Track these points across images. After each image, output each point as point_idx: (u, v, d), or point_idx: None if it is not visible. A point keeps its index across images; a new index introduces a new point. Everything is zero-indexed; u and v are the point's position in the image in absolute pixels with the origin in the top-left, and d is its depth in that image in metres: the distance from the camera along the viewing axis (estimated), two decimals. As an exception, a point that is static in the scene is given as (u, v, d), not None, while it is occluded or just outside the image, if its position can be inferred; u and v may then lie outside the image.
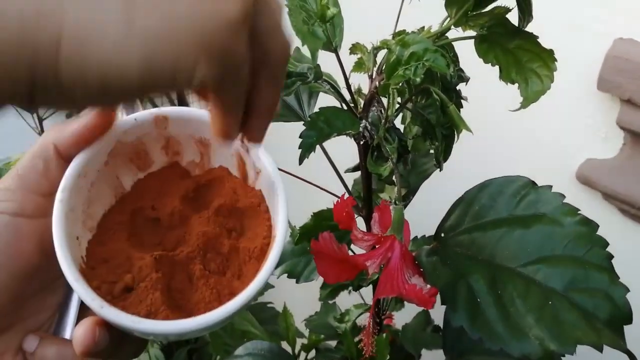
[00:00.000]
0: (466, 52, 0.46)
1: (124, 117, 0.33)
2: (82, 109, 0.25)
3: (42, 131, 0.71)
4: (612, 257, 0.36)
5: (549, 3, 0.71)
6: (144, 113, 0.33)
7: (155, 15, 0.21)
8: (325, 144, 0.50)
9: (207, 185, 0.35)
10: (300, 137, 0.42)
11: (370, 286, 0.50)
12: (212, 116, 0.28)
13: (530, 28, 0.44)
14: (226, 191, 0.34)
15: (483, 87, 0.50)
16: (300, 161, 0.42)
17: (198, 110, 0.34)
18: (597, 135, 0.72)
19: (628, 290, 0.34)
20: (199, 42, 0.22)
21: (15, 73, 0.21)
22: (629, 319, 0.34)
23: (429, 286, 0.37)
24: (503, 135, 0.83)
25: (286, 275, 0.48)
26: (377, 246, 0.41)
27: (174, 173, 0.35)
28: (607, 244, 0.36)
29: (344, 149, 0.60)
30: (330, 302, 0.61)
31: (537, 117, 0.77)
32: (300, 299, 0.77)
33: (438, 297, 0.38)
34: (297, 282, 0.48)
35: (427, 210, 0.53)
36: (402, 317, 0.71)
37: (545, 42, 0.45)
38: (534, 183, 0.40)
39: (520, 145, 0.81)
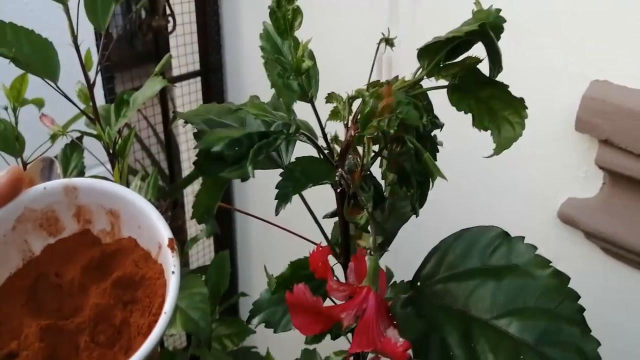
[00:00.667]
0: (442, 98, 0.47)
1: (33, 187, 0.34)
2: None
3: None
4: (583, 310, 0.36)
5: (525, 46, 0.73)
6: (53, 183, 0.35)
7: None
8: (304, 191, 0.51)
9: (112, 255, 0.35)
10: (276, 187, 0.42)
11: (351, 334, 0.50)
12: None
13: (507, 71, 0.45)
14: (129, 263, 0.35)
15: (462, 132, 0.51)
16: (277, 212, 0.42)
17: (108, 182, 0.35)
18: (577, 175, 0.73)
19: (599, 344, 0.34)
20: None
21: None
22: (601, 373, 0.34)
23: (402, 340, 0.37)
24: (484, 176, 0.84)
25: (264, 325, 0.48)
26: (352, 297, 0.41)
27: (85, 240, 0.36)
28: (578, 297, 0.36)
29: (322, 194, 0.60)
30: (311, 347, 0.60)
31: (518, 157, 0.78)
32: (287, 342, 0.76)
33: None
34: (274, 331, 0.47)
35: (406, 254, 0.53)
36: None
37: (522, 85, 0.46)
38: (506, 234, 0.40)
39: (501, 185, 0.82)
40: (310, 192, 0.56)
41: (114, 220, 0.36)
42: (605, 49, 0.66)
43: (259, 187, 1.26)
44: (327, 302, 0.43)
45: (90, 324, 0.32)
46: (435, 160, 0.48)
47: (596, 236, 0.72)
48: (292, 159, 0.46)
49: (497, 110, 0.46)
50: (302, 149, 0.49)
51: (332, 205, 0.56)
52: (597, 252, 0.74)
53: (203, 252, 1.40)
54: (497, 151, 0.46)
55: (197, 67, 1.24)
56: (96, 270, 0.35)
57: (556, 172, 0.75)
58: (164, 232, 0.33)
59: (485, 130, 0.46)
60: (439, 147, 0.51)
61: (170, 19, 1.12)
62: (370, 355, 0.70)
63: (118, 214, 0.36)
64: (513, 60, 0.47)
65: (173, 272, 0.31)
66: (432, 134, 0.50)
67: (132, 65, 1.19)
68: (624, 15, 0.64)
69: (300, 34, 0.46)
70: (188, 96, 1.25)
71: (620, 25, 0.64)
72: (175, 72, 1.25)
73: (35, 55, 0.53)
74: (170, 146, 1.26)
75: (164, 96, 1.20)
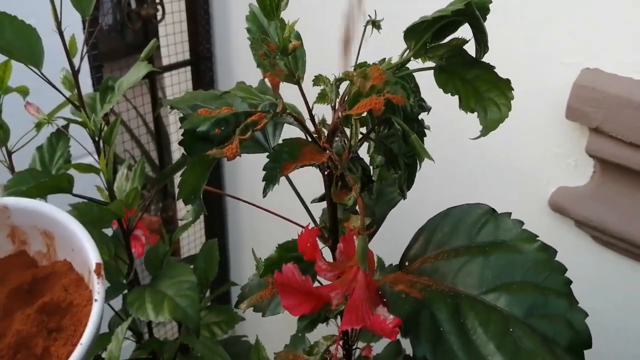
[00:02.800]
0: (429, 80, 0.47)
1: None
2: None
3: (11, 164, 0.70)
4: (570, 282, 0.36)
5: (516, 34, 0.73)
6: None
7: None
8: (293, 174, 0.51)
9: (45, 279, 0.34)
10: (263, 169, 0.42)
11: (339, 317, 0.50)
12: None
13: (497, 59, 0.46)
14: (58, 288, 0.33)
15: (452, 115, 0.51)
16: (265, 193, 0.42)
17: (40, 203, 0.34)
18: (568, 163, 0.74)
19: (586, 315, 0.35)
20: None
21: None
22: (588, 344, 0.34)
23: (392, 317, 0.37)
24: (475, 165, 0.84)
25: (252, 309, 0.48)
26: (341, 277, 0.41)
27: (20, 262, 0.35)
28: (565, 270, 0.36)
29: (310, 179, 0.60)
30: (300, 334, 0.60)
31: (509, 145, 0.78)
32: (277, 331, 0.76)
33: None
34: (263, 315, 0.47)
35: (394, 239, 0.53)
36: (380, 346, 0.71)
37: (512, 72, 0.46)
38: (494, 211, 0.40)
39: (492, 174, 0.83)
40: (298, 178, 0.56)
41: (49, 241, 0.35)
42: (596, 36, 0.66)
43: (249, 174, 1.26)
44: (316, 286, 0.43)
45: (10, 352, 0.30)
46: (423, 143, 0.48)
47: (586, 224, 0.72)
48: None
49: (483, 91, 0.46)
50: (290, 134, 0.49)
51: (320, 191, 0.56)
52: (588, 241, 0.74)
53: (195, 243, 1.40)
54: (484, 132, 0.47)
55: (187, 56, 1.23)
56: (26, 294, 0.33)
57: (546, 161, 0.75)
58: (92, 257, 0.32)
59: (472, 112, 0.46)
60: (426, 131, 0.52)
61: (159, 7, 1.11)
62: (361, 345, 0.70)
63: (52, 235, 0.35)
64: (502, 48, 0.47)
65: (95, 300, 0.30)
66: (419, 117, 0.51)
67: (121, 55, 1.19)
68: (616, 2, 0.64)
69: (287, 15, 0.46)
70: (178, 85, 1.24)
71: (611, 12, 0.65)
72: (165, 62, 1.24)
73: (19, 42, 0.52)
74: (160, 136, 1.25)
75: (153, 86, 1.19)
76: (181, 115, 0.51)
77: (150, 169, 1.41)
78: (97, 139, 0.58)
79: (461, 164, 0.85)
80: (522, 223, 0.39)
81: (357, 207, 0.45)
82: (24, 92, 0.65)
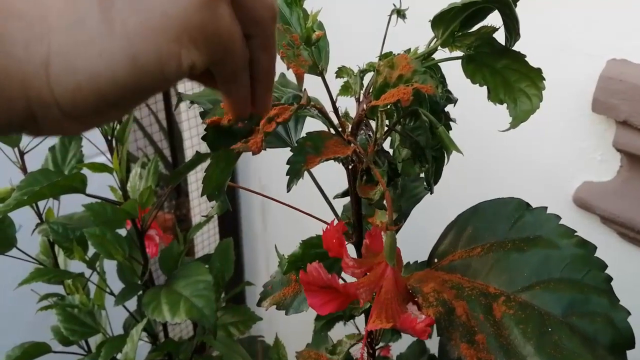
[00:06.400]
0: (455, 73, 0.46)
1: None
2: (87, 128, 0.24)
3: (23, 165, 0.69)
4: (611, 279, 0.34)
5: (540, 25, 0.71)
6: None
7: (132, 13, 0.21)
8: (313, 170, 0.49)
9: None
10: (287, 163, 0.41)
11: (364, 316, 0.48)
12: (224, 99, 0.28)
13: (521, 50, 0.44)
14: None
15: (476, 108, 0.49)
16: (289, 188, 0.41)
17: None
18: (593, 157, 0.72)
19: (629, 314, 0.33)
20: (177, 29, 0.22)
21: (9, 103, 0.21)
22: (631, 344, 0.33)
23: (423, 316, 0.35)
24: (497, 160, 0.82)
25: (275, 307, 0.46)
26: (368, 274, 0.40)
27: None
28: (605, 266, 0.35)
29: (332, 175, 0.59)
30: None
31: (532, 140, 0.76)
32: (294, 331, 0.75)
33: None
34: (286, 313, 0.46)
35: (419, 235, 0.52)
36: (398, 346, 0.69)
37: (536, 64, 0.45)
38: (528, 204, 0.39)
39: (514, 169, 0.81)
40: (319, 174, 0.55)
41: None
42: (623, 25, 0.64)
43: (263, 169, 1.24)
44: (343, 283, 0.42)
45: None
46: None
47: (613, 221, 0.70)
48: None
49: (513, 82, 0.44)
50: (311, 129, 0.48)
51: (339, 187, 0.55)
52: (614, 238, 0.72)
53: (209, 241, 1.39)
54: (514, 124, 0.45)
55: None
56: None
57: (571, 155, 0.73)
58: None
59: (501, 103, 0.44)
60: (452, 124, 0.50)
61: None
62: (380, 344, 0.68)
63: None
64: (526, 40, 0.46)
65: None
66: (446, 109, 0.49)
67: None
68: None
69: (309, 5, 0.45)
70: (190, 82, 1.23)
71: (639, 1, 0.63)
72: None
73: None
74: (173, 133, 1.24)
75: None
76: (202, 110, 0.50)
77: (164, 167, 1.40)
78: (109, 137, 0.57)
79: (483, 158, 0.83)
80: (558, 217, 0.37)
81: (384, 202, 0.44)
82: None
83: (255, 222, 1.40)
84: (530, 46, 0.45)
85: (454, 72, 0.46)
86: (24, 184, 0.52)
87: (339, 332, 0.63)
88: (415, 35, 0.47)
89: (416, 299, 0.37)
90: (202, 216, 0.71)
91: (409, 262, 0.53)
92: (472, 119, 0.70)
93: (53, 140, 0.72)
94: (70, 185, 0.55)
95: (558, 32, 0.70)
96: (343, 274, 0.44)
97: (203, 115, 0.50)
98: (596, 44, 0.67)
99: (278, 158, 0.48)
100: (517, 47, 0.44)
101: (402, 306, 0.38)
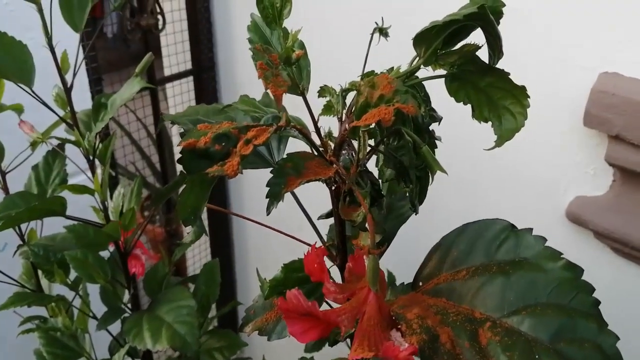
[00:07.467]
0: (443, 89, 0.45)
1: None
2: None
3: (5, 185, 0.68)
4: (599, 303, 0.33)
5: (531, 38, 0.70)
6: None
7: None
8: (300, 189, 0.48)
9: None
10: (267, 185, 0.40)
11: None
12: None
13: (510, 64, 0.43)
14: None
15: (467, 124, 0.48)
16: (268, 211, 0.40)
17: None
18: (586, 172, 0.71)
19: (618, 339, 0.32)
20: None
21: None
22: (621, 371, 0.32)
23: (407, 344, 0.34)
24: (489, 175, 0.81)
25: (257, 332, 0.45)
26: (350, 299, 0.39)
27: None
28: (593, 290, 0.34)
29: (317, 196, 0.58)
30: (308, 357, 0.58)
31: (524, 154, 0.76)
32: (283, 353, 0.73)
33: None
34: (268, 339, 0.44)
35: (405, 256, 0.51)
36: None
37: (526, 78, 0.44)
38: (513, 226, 0.38)
39: (506, 184, 0.80)
40: (304, 194, 0.54)
41: None
42: (615, 38, 0.63)
43: (255, 190, 1.24)
44: (325, 307, 0.40)
45: None
46: (434, 155, 0.46)
47: (606, 236, 0.69)
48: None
49: (497, 99, 0.44)
50: (296, 148, 0.47)
51: (328, 207, 0.54)
52: (608, 253, 0.71)
53: (200, 256, 1.37)
54: (499, 143, 0.44)
55: (188, 66, 1.21)
56: None
57: (563, 170, 0.72)
58: None
59: (486, 121, 0.44)
60: (437, 142, 0.49)
61: (159, 17, 1.10)
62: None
63: None
64: (516, 52, 0.45)
65: None
66: (430, 128, 0.48)
67: (126, 65, 1.17)
68: (634, 2, 0.61)
69: (290, 24, 0.44)
70: (180, 96, 1.22)
71: (630, 13, 0.62)
72: (167, 72, 1.22)
73: (8, 59, 0.50)
74: (163, 147, 1.23)
75: (155, 97, 1.18)
76: (182, 130, 0.49)
77: (155, 180, 1.39)
78: (91, 158, 0.56)
79: (474, 174, 0.82)
80: (544, 240, 0.36)
81: (366, 224, 0.43)
82: (18, 110, 0.63)
83: (248, 241, 1.38)
84: (521, 59, 0.44)
85: (441, 89, 0.45)
86: (1, 208, 0.51)
87: (329, 353, 0.62)
88: (400, 53, 0.47)
89: (399, 326, 0.36)
90: (179, 248, 0.70)
91: (394, 282, 0.52)
92: (462, 134, 0.69)
93: (37, 159, 0.71)
94: (49, 208, 0.54)
95: (550, 45, 0.70)
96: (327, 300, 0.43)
97: (183, 136, 0.49)
98: (588, 57, 0.66)
99: (261, 179, 0.47)
100: (507, 59, 0.43)
101: (385, 333, 0.36)
